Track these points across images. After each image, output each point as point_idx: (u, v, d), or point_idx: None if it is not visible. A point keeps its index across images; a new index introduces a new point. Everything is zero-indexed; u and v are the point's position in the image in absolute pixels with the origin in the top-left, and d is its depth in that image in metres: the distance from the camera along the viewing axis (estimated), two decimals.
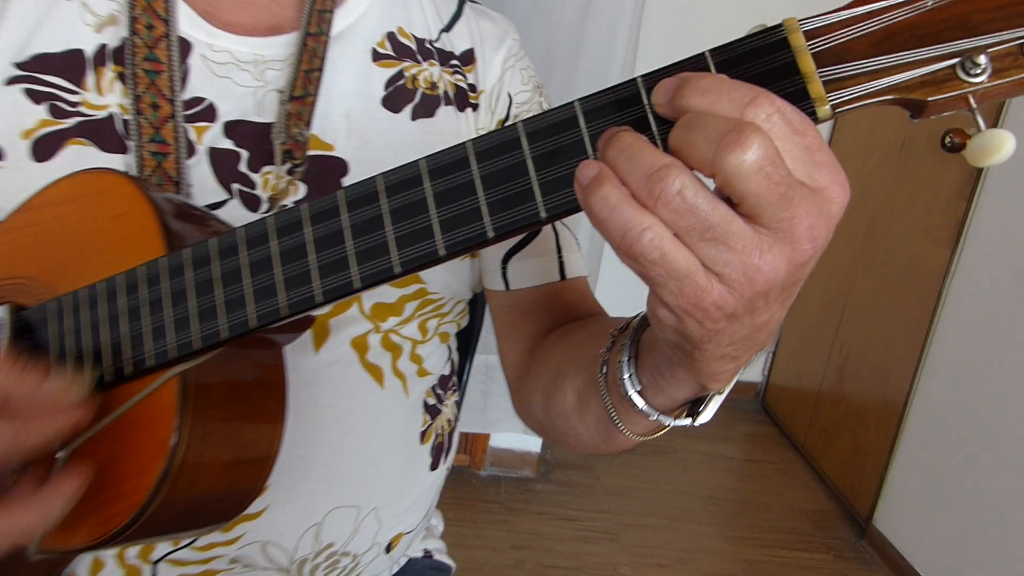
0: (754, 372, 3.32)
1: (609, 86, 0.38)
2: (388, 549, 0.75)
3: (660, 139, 0.37)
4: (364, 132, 0.67)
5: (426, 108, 0.70)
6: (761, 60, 0.36)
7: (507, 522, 2.28)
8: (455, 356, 0.83)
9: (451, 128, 0.71)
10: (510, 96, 0.75)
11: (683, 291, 0.35)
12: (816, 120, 0.35)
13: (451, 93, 0.72)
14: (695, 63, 0.37)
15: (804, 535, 2.38)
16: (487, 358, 2.18)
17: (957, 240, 2.11)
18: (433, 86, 0.71)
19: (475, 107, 0.73)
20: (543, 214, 0.39)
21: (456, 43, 0.74)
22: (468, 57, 0.74)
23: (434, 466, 0.79)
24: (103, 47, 0.63)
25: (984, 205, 2.06)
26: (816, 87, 0.35)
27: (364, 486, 0.70)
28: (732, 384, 0.45)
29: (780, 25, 0.36)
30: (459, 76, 0.72)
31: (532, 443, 2.49)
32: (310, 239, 0.44)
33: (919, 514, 2.16)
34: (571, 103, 0.39)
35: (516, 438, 2.47)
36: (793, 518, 2.47)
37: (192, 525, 0.55)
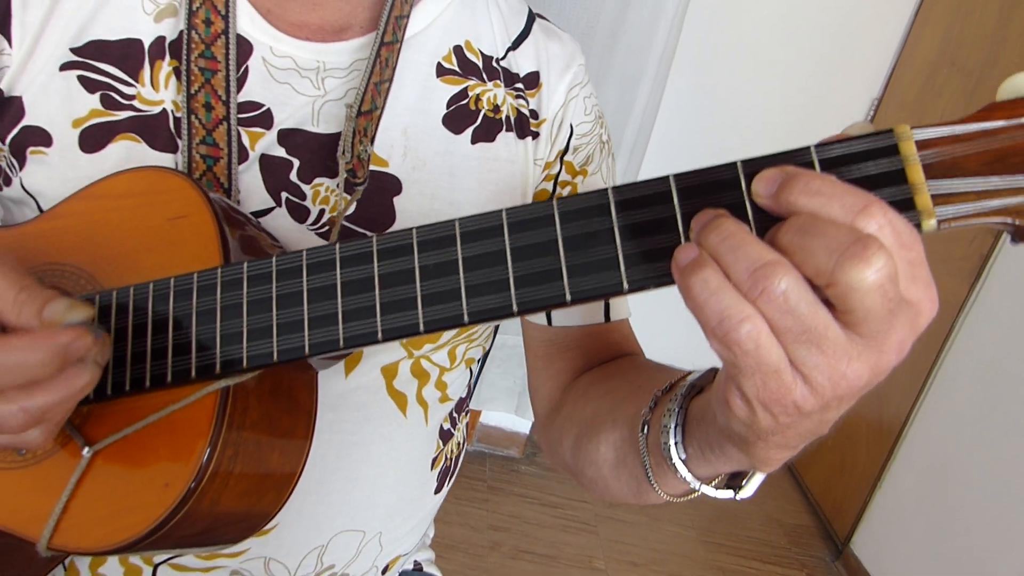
0: None
1: (707, 166, 0.37)
2: (384, 571, 0.75)
3: (755, 229, 0.36)
4: (421, 151, 0.64)
5: (487, 132, 0.67)
6: (868, 163, 0.35)
7: (488, 501, 2.28)
8: (473, 380, 0.81)
9: (509, 155, 0.68)
10: (571, 127, 0.71)
11: (767, 385, 0.35)
12: (919, 232, 0.34)
13: (512, 118, 0.68)
14: (798, 156, 0.36)
15: (779, 549, 2.39)
16: None
17: (978, 276, 2.08)
18: (496, 109, 0.67)
19: (535, 136, 0.69)
20: (625, 286, 0.38)
21: (521, 63, 0.70)
22: (533, 80, 0.70)
23: (438, 489, 0.78)
24: (161, 39, 0.60)
25: (1011, 247, 2.02)
26: (924, 199, 0.34)
27: (372, 513, 0.69)
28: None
29: (891, 130, 0.35)
30: (522, 101, 0.69)
31: (520, 423, 2.48)
32: (376, 274, 0.43)
33: (899, 544, 2.16)
34: (666, 178, 0.37)
35: (506, 417, 2.46)
36: (771, 530, 2.47)
37: (205, 543, 0.54)
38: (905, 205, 0.34)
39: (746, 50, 2.79)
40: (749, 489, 0.49)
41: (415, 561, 0.85)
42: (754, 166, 0.36)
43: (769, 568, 2.29)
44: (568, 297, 0.38)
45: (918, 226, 0.34)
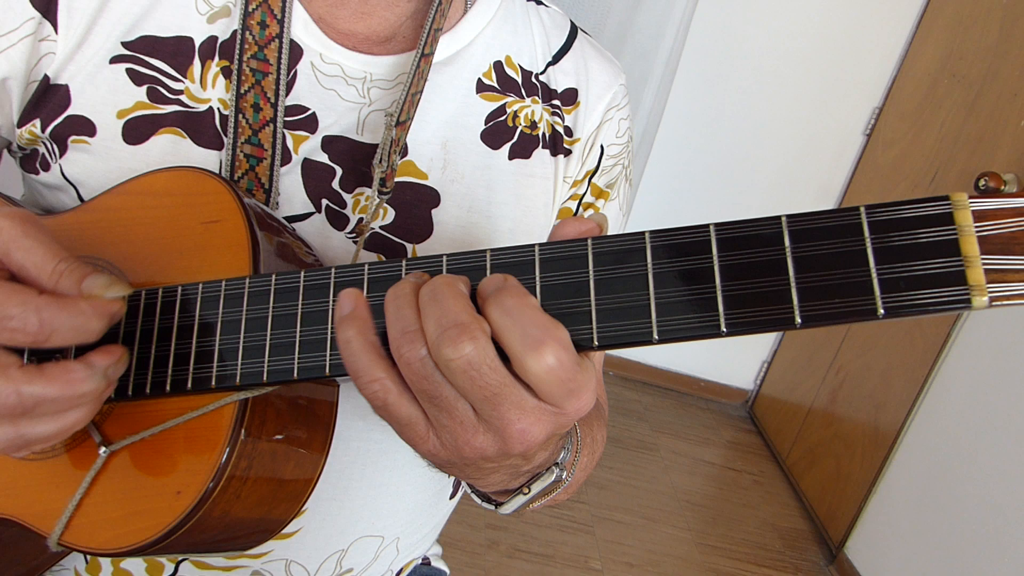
0: (746, 379, 3.32)
1: (745, 219, 0.36)
2: (399, 574, 0.76)
3: (797, 288, 0.35)
4: (460, 165, 0.65)
5: (523, 148, 0.68)
6: (919, 231, 0.34)
7: None
8: None
9: (544, 172, 0.69)
10: (602, 148, 0.72)
11: (403, 431, 0.41)
12: (967, 308, 0.33)
13: (548, 135, 0.69)
14: (847, 217, 0.35)
15: (774, 552, 2.41)
16: None
17: None
18: (533, 125, 0.68)
19: (568, 153, 0.70)
20: (656, 336, 0.37)
21: (560, 79, 0.71)
22: (570, 97, 0.71)
23: (454, 494, 0.79)
24: (213, 39, 0.60)
25: None
26: (976, 274, 0.33)
27: (393, 519, 0.70)
28: (540, 487, 0.50)
29: (946, 197, 0.34)
30: (557, 118, 0.70)
31: None
32: None
33: (894, 550, 2.19)
34: (706, 226, 0.37)
35: None
36: (765, 533, 2.50)
37: (215, 549, 0.54)
38: (955, 279, 0.33)
39: (750, 57, 2.80)
40: (506, 508, 0.53)
41: (424, 556, 0.87)
42: (800, 223, 0.36)
43: (764, 571, 2.31)
44: (595, 342, 0.39)
45: (968, 302, 0.33)
